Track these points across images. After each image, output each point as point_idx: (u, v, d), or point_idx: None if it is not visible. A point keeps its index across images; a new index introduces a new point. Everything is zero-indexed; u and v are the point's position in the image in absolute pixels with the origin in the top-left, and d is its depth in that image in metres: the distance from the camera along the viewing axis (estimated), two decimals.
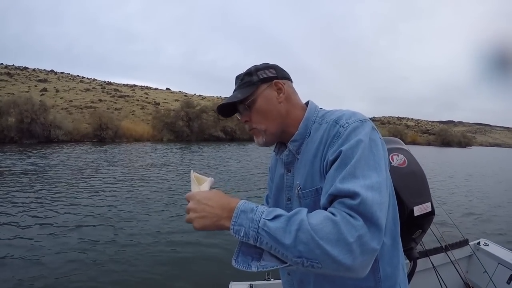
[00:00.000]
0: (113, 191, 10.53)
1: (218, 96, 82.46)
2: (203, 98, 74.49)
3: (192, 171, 1.15)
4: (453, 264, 2.87)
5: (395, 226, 1.10)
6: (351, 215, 0.82)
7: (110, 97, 52.70)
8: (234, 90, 1.25)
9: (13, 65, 59.43)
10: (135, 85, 70.69)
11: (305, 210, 0.88)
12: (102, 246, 5.89)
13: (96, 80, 65.76)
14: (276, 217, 0.88)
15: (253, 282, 2.51)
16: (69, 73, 64.72)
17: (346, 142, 0.97)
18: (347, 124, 1.02)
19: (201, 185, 1.10)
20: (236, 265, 0.94)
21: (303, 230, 0.82)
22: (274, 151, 1.32)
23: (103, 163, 16.85)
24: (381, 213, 0.84)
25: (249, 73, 1.22)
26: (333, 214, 0.84)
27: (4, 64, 57.86)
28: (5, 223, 6.93)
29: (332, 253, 0.78)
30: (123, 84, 68.36)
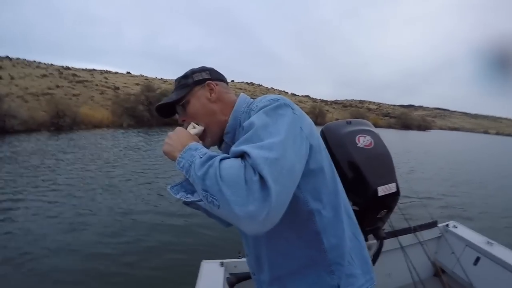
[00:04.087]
0: (70, 183, 10.50)
1: None
2: (165, 81, 73.43)
3: (192, 123, 1.31)
4: (422, 245, 2.93)
5: (336, 199, 1.17)
6: (251, 169, 0.90)
7: (68, 82, 51.36)
8: (172, 92, 1.38)
9: None
10: (94, 70, 68.77)
11: (228, 155, 0.97)
12: (60, 236, 6.00)
13: (53, 65, 63.19)
14: (205, 156, 1.00)
15: (224, 260, 2.51)
16: (25, 59, 62.37)
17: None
18: (256, 107, 1.16)
19: (188, 127, 1.29)
20: (169, 190, 1.19)
21: (213, 166, 0.93)
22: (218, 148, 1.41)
23: (59, 154, 16.64)
24: (270, 169, 0.89)
25: (186, 76, 1.37)
26: (243, 165, 0.92)
27: None
28: None
29: (226, 192, 0.87)
30: (82, 69, 66.52)
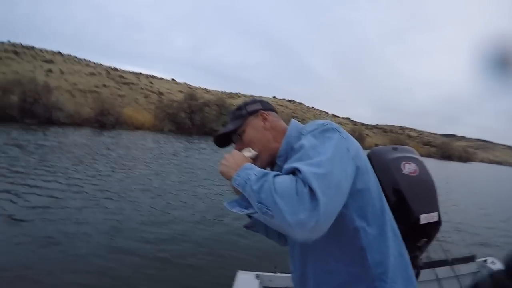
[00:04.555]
0: (109, 179, 10.49)
1: (222, 90, 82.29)
2: (208, 91, 74.49)
3: (248, 148, 1.42)
4: (458, 279, 2.85)
5: (382, 217, 1.21)
6: (302, 183, 1.01)
7: (115, 82, 52.63)
8: (228, 123, 1.50)
9: (20, 43, 59.27)
10: (140, 73, 70.37)
11: (281, 173, 1.09)
12: (95, 235, 5.82)
13: (102, 65, 65.17)
14: (260, 172, 1.12)
15: (260, 273, 2.57)
16: (75, 56, 64.48)
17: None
18: (305, 131, 1.25)
19: (243, 151, 1.40)
20: (226, 205, 1.21)
21: (268, 181, 1.05)
22: None
23: (102, 150, 16.79)
24: (318, 182, 0.99)
25: (240, 108, 1.50)
26: (295, 180, 1.02)
27: (12, 41, 57.82)
28: None
29: (279, 203, 0.99)
30: (129, 71, 68.10)
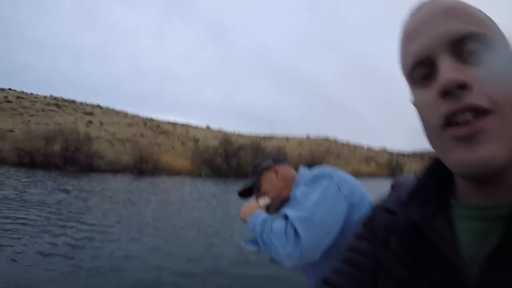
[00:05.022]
0: (152, 224, 10.33)
1: (256, 134, 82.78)
2: (242, 136, 75.01)
3: (262, 196, 1.75)
4: None
5: None
6: (290, 226, 1.35)
7: (152, 132, 53.83)
8: (248, 179, 1.85)
9: (62, 97, 62.04)
10: (176, 122, 72.03)
11: (279, 219, 1.43)
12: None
13: (139, 116, 67.26)
14: (264, 219, 1.49)
15: None
16: (113, 108, 66.70)
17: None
18: (301, 181, 1.60)
19: (260, 199, 1.72)
20: (243, 244, 1.61)
21: (267, 225, 1.44)
22: None
23: (142, 194, 16.88)
24: (303, 227, 1.31)
25: (255, 165, 1.83)
26: (285, 224, 1.37)
27: (54, 95, 60.57)
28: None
29: (274, 240, 1.35)
30: (165, 121, 69.81)
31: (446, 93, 0.48)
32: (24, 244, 6.75)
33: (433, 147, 0.55)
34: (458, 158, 0.49)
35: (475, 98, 0.47)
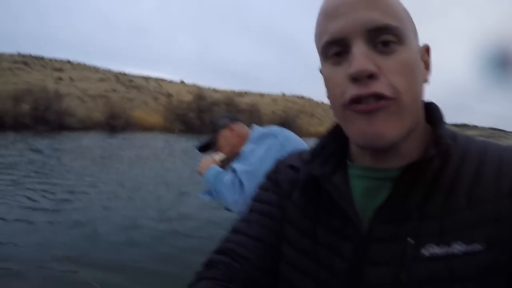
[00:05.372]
0: (126, 182, 10.47)
1: (231, 89, 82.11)
2: (216, 91, 74.31)
3: (219, 153, 2.06)
4: None
5: None
6: (236, 177, 1.70)
7: (124, 87, 52.90)
8: (207, 136, 2.15)
9: (30, 54, 59.92)
10: (149, 77, 70.43)
11: (229, 172, 1.77)
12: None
13: (110, 70, 65.44)
14: (217, 173, 1.83)
15: None
16: (84, 63, 64.91)
17: None
18: (251, 138, 1.92)
19: (216, 155, 2.04)
20: (200, 195, 1.97)
21: (219, 178, 1.77)
22: None
23: (116, 152, 17.08)
24: (247, 178, 1.64)
25: (213, 123, 2.11)
26: (232, 176, 1.72)
27: (21, 53, 58.49)
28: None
29: (224, 190, 1.71)
30: (138, 76, 68.41)
31: (356, 79, 0.53)
32: None
33: (336, 116, 0.62)
34: (358, 129, 0.55)
35: (380, 87, 0.53)
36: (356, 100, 0.54)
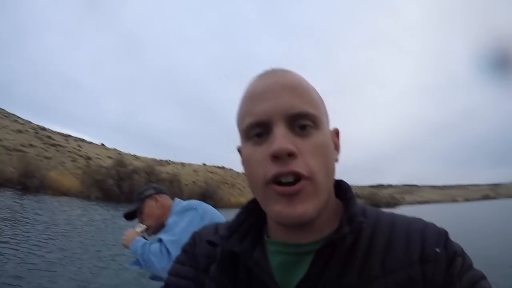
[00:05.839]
0: (41, 246, 10.36)
1: (153, 157, 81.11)
2: (137, 158, 73.21)
3: (138, 223, 2.22)
4: None
5: None
6: (163, 246, 1.91)
7: (42, 143, 50.76)
8: (133, 203, 2.29)
9: None
10: (69, 135, 68.12)
11: (155, 242, 1.98)
12: None
13: (31, 122, 62.49)
14: (143, 243, 1.98)
15: None
16: (4, 109, 61.67)
17: None
18: (174, 211, 2.13)
19: (137, 228, 2.18)
20: (128, 265, 2.10)
21: (146, 247, 1.94)
22: None
23: (25, 215, 16.32)
24: (173, 247, 1.85)
25: (139, 193, 2.28)
26: (159, 245, 1.93)
27: None
28: None
29: (152, 259, 1.88)
30: (58, 132, 65.85)
31: (276, 157, 0.57)
32: None
33: (255, 195, 0.66)
34: (280, 210, 0.58)
35: (298, 166, 0.58)
36: (277, 179, 0.58)
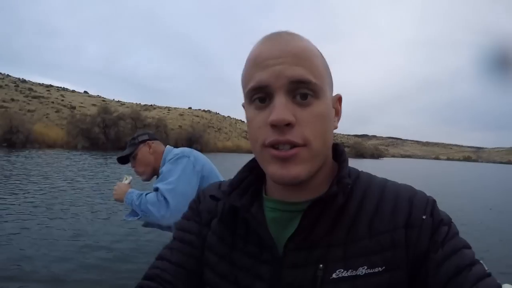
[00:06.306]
0: (23, 203, 9.69)
1: (138, 102, 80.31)
2: (122, 104, 72.63)
3: (125, 175, 2.20)
4: None
5: None
6: (160, 195, 1.89)
7: (24, 96, 50.25)
8: (126, 147, 2.23)
9: None
10: (51, 85, 66.23)
11: (152, 192, 1.95)
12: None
13: (10, 76, 61.07)
14: (138, 194, 1.96)
15: None
16: None
17: None
18: (167, 160, 2.09)
19: (124, 180, 2.15)
20: (124, 217, 2.06)
21: (142, 197, 1.92)
22: None
23: (14, 171, 15.95)
24: (170, 195, 1.86)
25: (133, 138, 2.23)
26: (156, 194, 1.90)
27: None
28: None
29: (150, 208, 1.86)
30: (39, 84, 64.62)
31: (275, 126, 0.59)
32: None
33: (255, 154, 0.69)
34: (274, 171, 0.62)
35: (294, 136, 0.60)
36: (274, 146, 0.61)
